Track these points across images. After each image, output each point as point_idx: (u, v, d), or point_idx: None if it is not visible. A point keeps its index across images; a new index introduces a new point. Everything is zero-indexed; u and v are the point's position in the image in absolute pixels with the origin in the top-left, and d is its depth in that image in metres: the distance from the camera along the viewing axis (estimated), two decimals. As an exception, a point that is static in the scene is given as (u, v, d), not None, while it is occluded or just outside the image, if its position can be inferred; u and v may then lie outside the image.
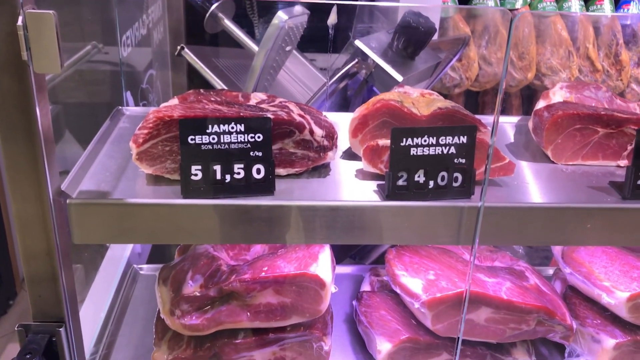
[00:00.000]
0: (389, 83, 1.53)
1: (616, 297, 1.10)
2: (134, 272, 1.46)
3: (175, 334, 1.10)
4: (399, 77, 1.53)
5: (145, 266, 1.49)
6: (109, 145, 1.13)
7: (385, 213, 0.95)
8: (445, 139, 0.95)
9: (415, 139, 0.94)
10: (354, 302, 1.23)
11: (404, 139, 0.94)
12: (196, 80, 1.77)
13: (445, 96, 1.05)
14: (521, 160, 1.15)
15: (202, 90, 1.18)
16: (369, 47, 1.56)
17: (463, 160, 0.97)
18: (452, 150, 0.96)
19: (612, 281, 1.12)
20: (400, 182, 0.96)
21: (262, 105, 1.06)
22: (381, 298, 1.19)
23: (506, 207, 0.95)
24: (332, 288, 1.09)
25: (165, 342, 1.10)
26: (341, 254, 1.67)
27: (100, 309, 1.34)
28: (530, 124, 1.18)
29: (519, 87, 2.53)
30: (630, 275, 1.12)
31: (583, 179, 1.08)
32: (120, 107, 1.28)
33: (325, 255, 1.11)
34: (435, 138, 0.95)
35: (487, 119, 1.17)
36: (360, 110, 1.08)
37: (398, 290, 1.12)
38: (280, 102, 1.08)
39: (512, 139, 1.25)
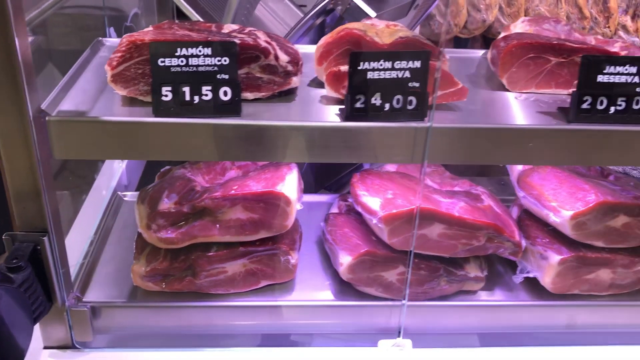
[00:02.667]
0: (363, 19, 1.57)
1: (561, 216, 1.19)
2: (119, 198, 1.54)
3: (153, 248, 1.19)
4: (372, 13, 1.58)
5: (129, 193, 1.57)
6: (88, 72, 1.19)
7: (343, 133, 1.02)
8: (400, 63, 1.02)
9: (372, 63, 1.01)
10: (322, 224, 1.32)
11: (361, 63, 1.00)
12: (183, 20, 1.81)
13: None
14: (479, 89, 1.22)
15: (176, 21, 1.23)
16: (343, -17, 1.60)
17: (417, 84, 1.03)
18: (407, 74, 1.02)
19: (559, 201, 1.21)
20: (358, 105, 1.03)
21: (232, 33, 1.12)
22: (345, 218, 1.28)
23: (453, 128, 1.03)
24: (297, 206, 1.17)
25: (144, 256, 1.19)
26: (317, 185, 1.75)
27: (86, 231, 1.42)
28: (489, 55, 1.24)
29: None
30: (576, 196, 1.20)
31: (535, 106, 1.15)
32: (100, 38, 1.34)
33: (292, 176, 1.19)
34: (390, 62, 1.01)
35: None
36: (325, 38, 1.14)
37: (359, 209, 1.20)
38: (250, 30, 1.14)
39: (474, 70, 1.31)
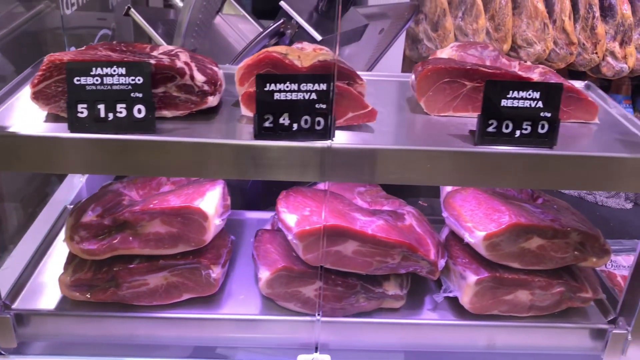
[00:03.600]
0: (310, 42, 1.62)
1: (475, 237, 1.21)
2: (67, 212, 1.59)
3: (81, 260, 1.23)
4: (317, 37, 1.63)
5: (79, 207, 1.62)
6: (24, 89, 1.25)
7: (252, 151, 1.07)
8: (307, 85, 1.06)
9: (278, 85, 1.05)
10: (252, 240, 1.35)
11: (268, 85, 1.05)
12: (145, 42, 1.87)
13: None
14: (403, 112, 1.26)
15: (114, 42, 1.29)
16: (294, 8, 1.65)
17: (323, 106, 1.07)
18: (314, 96, 1.07)
19: (474, 222, 1.23)
20: (266, 124, 1.07)
21: (156, 54, 1.17)
22: (271, 235, 1.32)
23: (354, 149, 1.06)
24: (216, 221, 1.21)
25: (71, 266, 1.23)
26: (266, 203, 1.79)
27: (33, 243, 1.47)
28: (410, 79, 1.28)
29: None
30: (491, 217, 1.22)
31: (449, 128, 1.18)
32: (44, 57, 1.40)
33: (213, 192, 1.24)
34: (297, 85, 1.06)
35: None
36: (246, 60, 1.18)
37: (280, 226, 1.24)
38: (176, 51, 1.19)
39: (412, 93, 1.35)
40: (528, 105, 1.09)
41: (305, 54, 1.24)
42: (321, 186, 1.44)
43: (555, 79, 1.23)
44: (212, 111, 1.18)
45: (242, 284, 1.35)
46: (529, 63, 1.36)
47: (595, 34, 2.63)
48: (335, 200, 1.29)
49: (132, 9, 1.82)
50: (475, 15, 2.61)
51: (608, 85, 2.76)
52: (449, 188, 1.38)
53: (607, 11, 2.65)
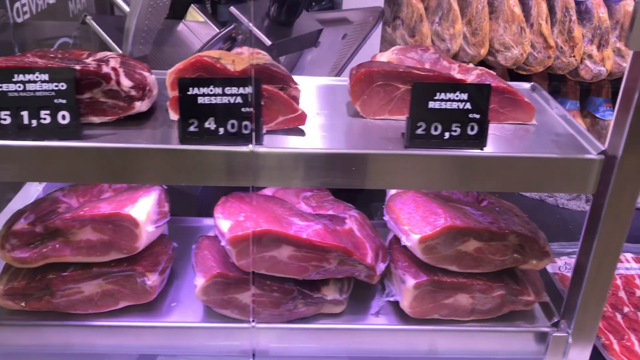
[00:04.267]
0: (260, 48, 1.62)
1: (412, 239, 1.20)
2: (17, 220, 1.58)
3: (16, 269, 1.22)
4: (267, 42, 1.62)
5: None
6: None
7: (176, 156, 1.06)
8: (231, 89, 1.05)
9: (201, 89, 1.04)
10: (193, 247, 1.34)
11: (191, 89, 1.04)
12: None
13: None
14: (339, 115, 1.25)
15: (51, 49, 1.28)
16: (244, 13, 1.65)
17: (250, 110, 1.06)
18: (239, 100, 1.06)
19: (411, 225, 1.22)
20: (191, 129, 1.06)
21: (88, 60, 1.17)
22: (210, 241, 1.30)
23: (278, 153, 1.05)
24: (149, 228, 1.20)
25: (6, 275, 1.22)
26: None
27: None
28: (347, 83, 1.27)
29: (473, 63, 2.59)
30: (427, 220, 1.21)
31: (385, 131, 1.17)
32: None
33: (147, 199, 1.23)
34: (221, 88, 1.05)
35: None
36: (177, 65, 1.18)
37: (216, 232, 1.23)
38: (108, 57, 1.18)
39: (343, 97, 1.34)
40: (456, 107, 1.08)
41: (240, 58, 1.23)
42: (267, 192, 1.43)
43: (490, 80, 1.23)
44: (144, 116, 1.18)
45: (185, 292, 1.34)
46: (470, 65, 1.36)
47: (572, 37, 2.63)
48: (275, 205, 1.28)
49: (87, 17, 1.82)
50: (452, 20, 2.62)
51: (589, 89, 2.76)
52: (393, 191, 1.38)
53: (584, 14, 2.66)
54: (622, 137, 1.04)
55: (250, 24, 1.63)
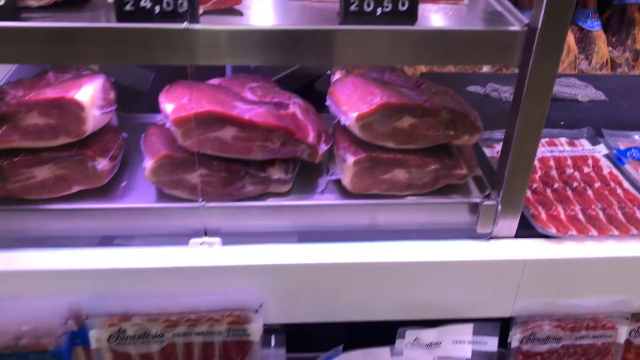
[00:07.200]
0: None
1: (350, 118, 1.26)
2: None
3: (-31, 158, 1.25)
4: None
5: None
6: None
7: (112, 34, 1.08)
8: (165, -33, 1.07)
9: (136, -33, 1.06)
10: (142, 136, 1.38)
11: (125, -33, 1.06)
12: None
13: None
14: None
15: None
16: None
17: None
18: (174, -22, 1.08)
19: (350, 105, 1.28)
20: (127, 7, 1.08)
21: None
22: (158, 129, 1.35)
23: (213, 30, 1.09)
24: (94, 112, 1.23)
25: (-41, 165, 1.25)
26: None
27: None
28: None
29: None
30: (365, 100, 1.27)
31: (322, 12, 1.21)
32: None
33: (92, 84, 1.26)
34: (155, -34, 1.07)
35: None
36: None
37: (162, 117, 1.27)
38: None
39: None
40: (388, -18, 1.12)
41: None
42: (213, 82, 1.47)
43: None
44: (83, 1, 1.19)
45: (137, 179, 1.39)
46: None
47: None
48: (219, 92, 1.32)
49: None
50: None
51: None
52: (336, 78, 1.42)
53: None
54: (541, 9, 1.09)
55: None
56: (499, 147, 1.68)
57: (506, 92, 1.99)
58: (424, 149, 1.32)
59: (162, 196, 1.33)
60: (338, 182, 1.37)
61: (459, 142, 1.33)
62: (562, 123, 1.85)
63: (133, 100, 1.47)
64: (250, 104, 1.29)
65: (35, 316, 1.20)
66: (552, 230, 1.35)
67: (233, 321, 1.26)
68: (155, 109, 1.64)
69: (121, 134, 1.38)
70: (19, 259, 1.24)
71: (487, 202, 1.32)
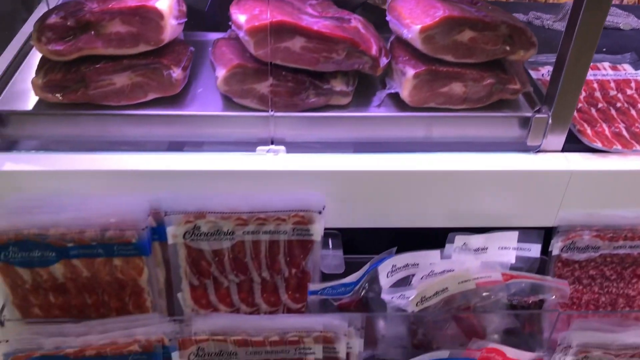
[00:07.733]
0: None
1: (412, 31, 1.32)
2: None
3: (52, 63, 1.33)
4: None
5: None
6: None
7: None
8: None
9: None
10: (209, 49, 1.45)
11: None
12: None
13: None
14: None
15: None
16: None
17: None
18: None
19: (412, 18, 1.33)
20: None
21: None
22: (227, 41, 1.41)
23: None
24: (172, 21, 1.30)
25: (43, 70, 1.33)
26: (225, 27, 1.86)
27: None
28: None
29: None
30: (427, 13, 1.32)
31: None
32: None
33: (168, -6, 1.32)
34: None
35: None
36: None
37: (233, 27, 1.33)
38: None
39: None
40: None
41: None
42: (274, -2, 1.52)
43: None
44: None
45: (204, 89, 1.46)
46: None
47: None
48: (286, 5, 1.38)
49: None
50: None
51: None
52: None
53: None
54: None
55: None
56: (543, 70, 1.73)
57: (548, 20, 2.03)
58: (481, 63, 1.38)
59: (229, 106, 1.40)
60: (393, 97, 1.44)
61: (514, 57, 1.38)
62: (604, 50, 1.89)
63: (191, 20, 1.52)
64: (316, 18, 1.35)
65: (120, 211, 1.29)
66: (598, 144, 1.43)
67: (298, 221, 1.36)
68: (214, 28, 1.71)
69: (189, 47, 1.45)
70: (104, 160, 1.33)
71: (538, 115, 1.39)
